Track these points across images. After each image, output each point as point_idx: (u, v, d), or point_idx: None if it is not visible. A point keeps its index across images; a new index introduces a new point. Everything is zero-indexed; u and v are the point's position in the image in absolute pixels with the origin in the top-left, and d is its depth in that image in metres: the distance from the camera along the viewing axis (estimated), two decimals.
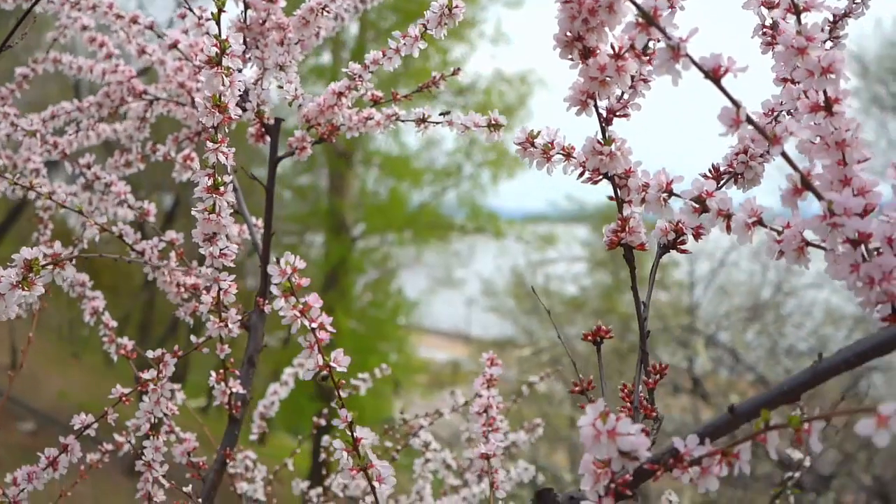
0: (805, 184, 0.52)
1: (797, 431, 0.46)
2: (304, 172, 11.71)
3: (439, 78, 1.03)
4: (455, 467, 1.42)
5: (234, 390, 0.98)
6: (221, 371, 0.98)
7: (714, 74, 0.51)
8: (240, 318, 0.92)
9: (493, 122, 0.86)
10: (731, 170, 0.69)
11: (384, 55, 0.94)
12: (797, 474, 1.12)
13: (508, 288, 11.04)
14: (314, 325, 0.64)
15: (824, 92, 0.54)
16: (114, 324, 1.11)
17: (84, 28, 1.20)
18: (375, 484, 0.66)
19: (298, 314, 0.63)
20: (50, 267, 0.68)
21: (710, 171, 0.70)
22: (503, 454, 1.59)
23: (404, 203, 11.54)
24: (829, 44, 0.73)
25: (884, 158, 9.08)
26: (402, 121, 0.99)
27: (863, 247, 0.54)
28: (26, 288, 0.68)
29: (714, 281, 7.18)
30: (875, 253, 0.53)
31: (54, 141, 1.18)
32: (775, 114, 0.70)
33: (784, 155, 0.52)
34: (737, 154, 0.69)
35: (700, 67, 0.51)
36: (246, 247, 1.18)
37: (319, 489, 1.39)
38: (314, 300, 0.64)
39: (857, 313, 7.00)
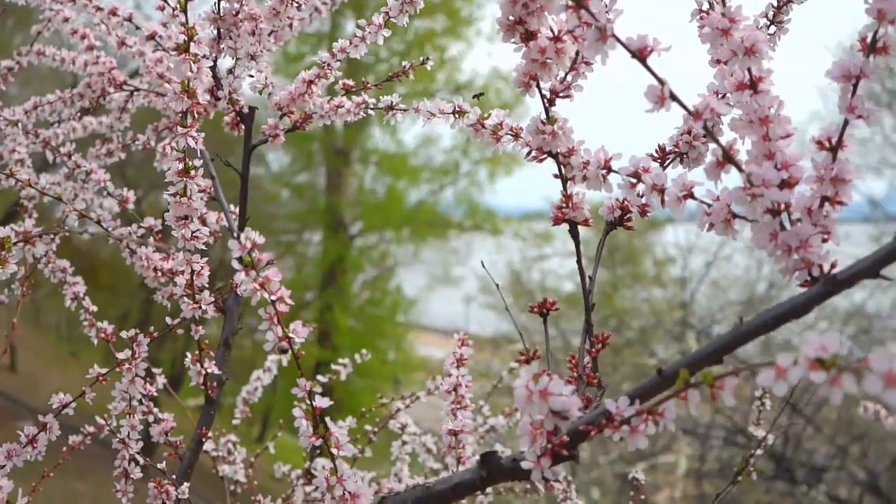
0: (727, 157, 0.55)
1: (711, 388, 0.49)
2: (302, 171, 11.76)
3: (409, 67, 1.06)
4: (436, 451, 1.45)
5: (209, 371, 1.01)
6: (197, 352, 1.01)
7: (640, 54, 0.54)
8: (213, 299, 0.95)
9: (457, 109, 0.89)
10: (675, 150, 0.72)
11: (350, 43, 0.97)
12: (758, 452, 1.14)
13: (506, 285, 11.07)
14: (274, 297, 0.67)
15: (749, 70, 0.57)
16: (94, 308, 1.14)
17: (66, 20, 1.23)
18: (334, 451, 0.69)
19: (258, 287, 0.66)
20: (21, 244, 0.71)
21: (656, 150, 0.73)
22: (482, 439, 1.62)
23: (402, 201, 11.58)
24: (772, 28, 0.76)
25: (879, 154, 9.10)
26: (372, 108, 1.02)
27: (785, 216, 0.57)
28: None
29: (708, 275, 7.21)
30: (798, 223, 0.56)
31: (36, 131, 1.21)
32: (719, 95, 0.72)
33: (706, 129, 0.55)
34: (682, 134, 0.72)
35: (627, 48, 0.54)
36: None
37: (299, 471, 1.42)
38: (274, 274, 0.67)
39: (850, 308, 7.04)
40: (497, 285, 0.77)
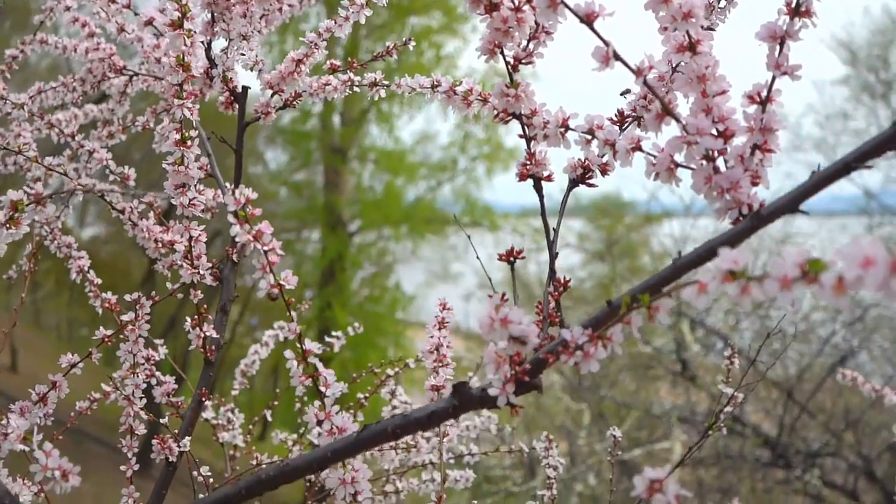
0: (665, 110, 0.62)
1: (649, 310, 0.56)
2: (300, 169, 11.83)
3: (392, 48, 1.13)
4: None
5: (207, 334, 1.08)
6: (196, 317, 1.07)
7: (588, 19, 0.61)
8: (210, 265, 1.02)
9: (436, 82, 0.96)
10: (633, 113, 0.79)
11: (336, 23, 1.04)
12: (729, 409, 1.21)
13: (504, 279, 11.11)
14: (266, 248, 0.73)
15: (687, 33, 0.64)
16: (98, 281, 1.20)
17: (67, 9, 1.29)
18: (322, 389, 0.76)
19: (252, 238, 0.73)
20: (33, 205, 0.78)
21: (615, 114, 0.79)
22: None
23: (400, 198, 11.65)
24: (723, 2, 0.83)
25: None
26: (357, 86, 1.09)
27: (722, 163, 0.63)
28: (13, 226, 0.77)
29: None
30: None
31: (41, 114, 1.27)
32: (672, 64, 0.79)
33: (647, 85, 0.62)
34: (639, 99, 0.79)
35: (575, 13, 0.61)
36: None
37: (295, 436, 1.48)
38: (266, 227, 0.74)
39: None
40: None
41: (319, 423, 0.75)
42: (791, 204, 0.57)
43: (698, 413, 6.68)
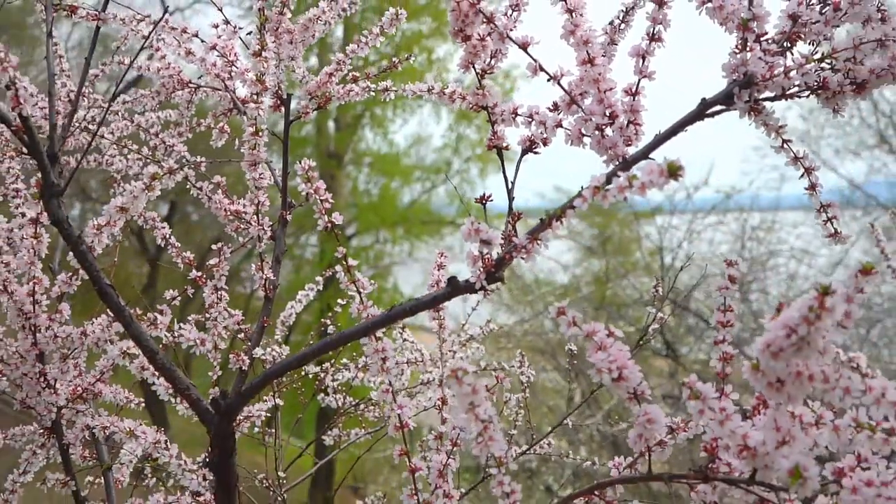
0: (572, 100, 1.01)
1: (562, 216, 0.95)
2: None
3: (398, 62, 1.52)
4: (429, 357, 1.90)
5: (268, 277, 1.46)
6: (259, 263, 1.46)
7: (524, 46, 1.00)
8: (272, 224, 1.41)
9: (430, 87, 1.35)
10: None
11: (358, 46, 1.43)
12: (654, 326, 1.59)
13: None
14: (322, 197, 1.12)
15: (587, 52, 1.03)
16: (178, 245, 1.59)
17: (144, 38, 1.68)
18: (361, 290, 1.14)
19: (313, 192, 1.12)
20: (167, 175, 1.16)
21: (552, 104, 1.18)
22: (463, 346, 2.08)
23: (395, 200, 12.01)
24: (623, 25, 1.22)
25: (857, 136, 9.58)
26: (374, 91, 1.48)
27: (609, 131, 1.02)
28: (149, 191, 1.16)
29: (682, 247, 7.70)
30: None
31: (131, 117, 1.66)
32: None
33: (560, 85, 1.01)
34: (563, 95, 1.17)
35: (515, 42, 0.99)
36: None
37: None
38: (321, 184, 1.13)
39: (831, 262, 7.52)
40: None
41: (360, 312, 1.13)
42: (643, 154, 0.96)
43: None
